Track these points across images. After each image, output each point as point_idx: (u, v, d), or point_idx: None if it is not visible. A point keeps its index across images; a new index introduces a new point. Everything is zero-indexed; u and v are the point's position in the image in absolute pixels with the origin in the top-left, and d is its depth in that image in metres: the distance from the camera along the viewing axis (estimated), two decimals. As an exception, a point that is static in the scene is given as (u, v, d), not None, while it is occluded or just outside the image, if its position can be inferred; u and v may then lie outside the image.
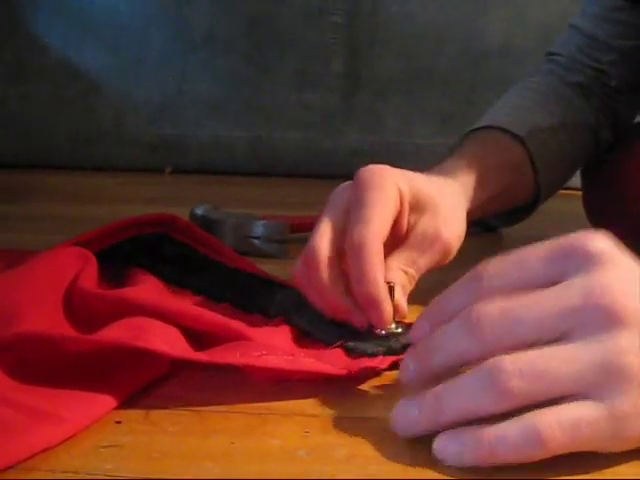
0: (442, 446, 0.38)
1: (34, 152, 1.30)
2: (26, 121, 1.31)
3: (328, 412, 0.44)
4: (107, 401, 0.42)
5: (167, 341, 0.45)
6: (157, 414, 0.43)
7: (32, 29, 1.29)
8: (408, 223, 0.56)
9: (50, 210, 0.97)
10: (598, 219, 0.82)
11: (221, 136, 1.30)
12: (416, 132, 1.30)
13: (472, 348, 0.39)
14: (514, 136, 0.73)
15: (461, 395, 0.38)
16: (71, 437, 0.39)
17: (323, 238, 0.52)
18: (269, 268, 0.63)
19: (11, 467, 0.36)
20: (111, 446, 0.39)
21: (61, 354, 0.44)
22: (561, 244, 0.40)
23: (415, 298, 0.52)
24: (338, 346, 0.50)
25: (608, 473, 0.38)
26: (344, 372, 0.46)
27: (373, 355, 0.49)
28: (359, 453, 0.39)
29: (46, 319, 0.50)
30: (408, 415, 0.40)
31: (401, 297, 0.52)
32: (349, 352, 0.50)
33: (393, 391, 0.46)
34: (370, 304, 0.50)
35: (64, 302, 0.52)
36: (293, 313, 0.54)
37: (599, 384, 0.37)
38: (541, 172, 0.74)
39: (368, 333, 0.52)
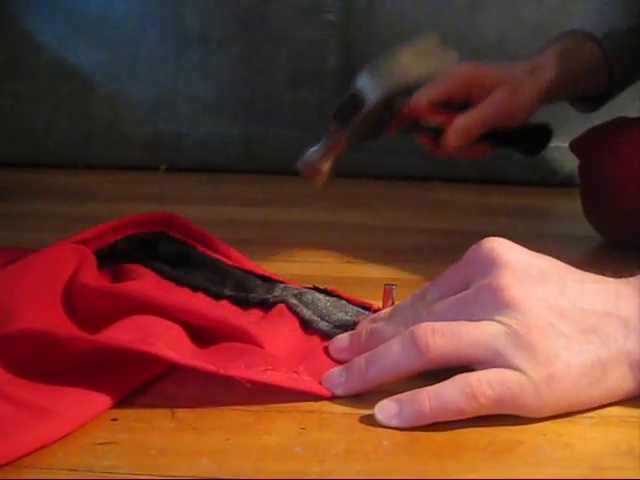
0: (382, 407, 0.42)
1: (28, 151, 1.30)
2: (20, 120, 1.30)
3: (324, 408, 0.44)
4: (104, 399, 0.42)
5: (170, 343, 0.45)
6: (153, 411, 0.43)
7: (26, 27, 1.29)
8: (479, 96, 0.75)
9: (45, 208, 0.97)
10: (596, 217, 0.83)
11: (216, 134, 1.30)
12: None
13: (397, 330, 0.46)
14: (592, 38, 0.81)
15: (386, 355, 0.45)
16: (68, 434, 0.39)
17: None
18: (269, 267, 0.63)
19: (8, 464, 0.36)
20: (107, 443, 0.39)
21: (60, 351, 0.44)
22: (467, 256, 0.48)
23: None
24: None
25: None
26: (340, 395, 0.46)
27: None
28: (356, 449, 0.39)
29: (44, 315, 0.50)
30: (338, 376, 0.46)
31: None
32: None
33: (390, 388, 0.46)
34: None
35: (63, 298, 0.52)
36: (293, 303, 0.55)
37: (510, 353, 0.42)
38: (615, 68, 0.81)
39: None
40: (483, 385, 0.41)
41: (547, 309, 0.43)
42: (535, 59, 0.79)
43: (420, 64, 0.75)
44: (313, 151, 0.72)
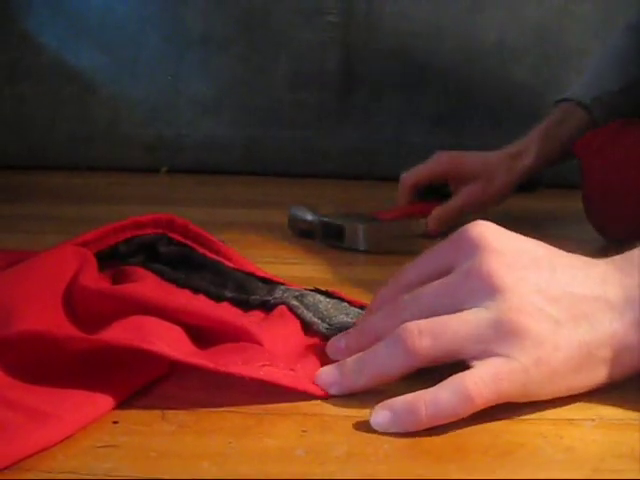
0: (377, 415, 0.42)
1: (29, 152, 1.30)
2: (21, 121, 1.30)
3: (326, 411, 0.44)
4: (105, 401, 0.42)
5: (170, 343, 0.45)
6: (154, 414, 0.43)
7: (27, 29, 1.29)
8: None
9: (45, 210, 0.97)
10: (598, 219, 0.83)
11: (216, 135, 1.30)
12: (411, 131, 1.30)
13: (387, 324, 0.46)
14: (582, 104, 0.88)
15: (376, 358, 0.45)
16: (68, 437, 0.39)
17: None
18: (270, 269, 0.63)
19: (8, 467, 0.36)
20: (108, 446, 0.39)
21: (60, 353, 0.44)
22: (451, 237, 0.47)
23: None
24: None
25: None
26: (337, 394, 0.46)
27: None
28: (357, 452, 0.39)
29: (45, 317, 0.49)
30: (331, 375, 0.46)
31: None
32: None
33: (391, 390, 0.46)
34: None
35: (63, 300, 0.52)
36: (294, 305, 0.55)
37: (498, 341, 0.42)
38: None
39: None
40: (479, 386, 0.41)
41: (538, 294, 0.43)
42: (517, 144, 0.90)
43: None
44: None
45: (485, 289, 0.44)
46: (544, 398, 0.43)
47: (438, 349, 0.43)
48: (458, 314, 0.44)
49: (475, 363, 0.42)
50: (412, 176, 0.90)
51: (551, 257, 0.46)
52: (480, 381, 0.41)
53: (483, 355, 0.42)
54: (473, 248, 0.45)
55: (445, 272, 0.46)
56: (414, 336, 0.43)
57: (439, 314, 0.44)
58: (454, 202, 0.88)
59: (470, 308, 0.44)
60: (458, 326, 0.43)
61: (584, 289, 0.44)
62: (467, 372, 0.42)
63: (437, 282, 0.46)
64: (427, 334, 0.43)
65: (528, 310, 0.43)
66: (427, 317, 0.44)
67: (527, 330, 0.42)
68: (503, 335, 0.42)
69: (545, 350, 0.42)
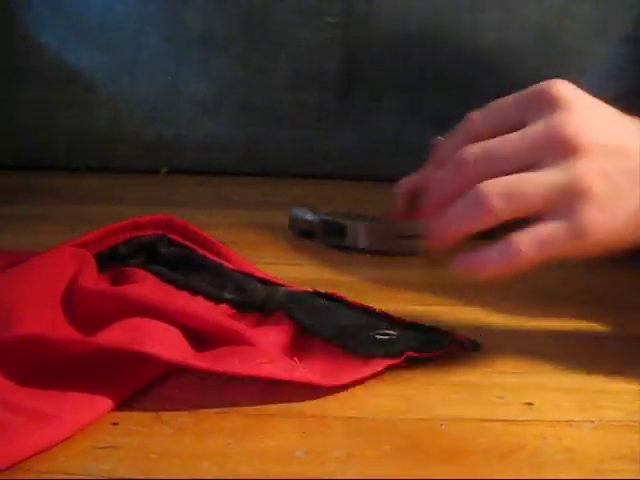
0: (463, 259, 0.46)
1: (29, 153, 1.30)
2: (21, 122, 1.30)
3: (325, 412, 0.44)
4: (104, 402, 0.42)
5: (166, 345, 0.45)
6: (154, 415, 0.43)
7: (26, 30, 1.29)
8: None
9: (45, 211, 0.97)
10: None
11: (217, 136, 1.30)
12: (411, 131, 1.30)
13: (461, 183, 0.46)
14: None
15: (454, 218, 0.46)
16: (67, 438, 0.39)
17: None
18: (270, 270, 0.63)
19: (8, 468, 0.36)
20: (108, 447, 0.39)
21: (58, 356, 0.44)
22: (528, 91, 0.47)
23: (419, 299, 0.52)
24: (337, 344, 0.50)
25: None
26: (339, 384, 0.46)
27: (371, 356, 0.49)
28: (357, 453, 0.39)
29: (44, 319, 0.49)
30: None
31: None
32: (347, 352, 0.50)
33: (391, 391, 0.46)
34: None
35: (63, 302, 0.52)
36: (293, 307, 0.54)
37: (564, 203, 0.45)
38: None
39: (368, 334, 0.52)
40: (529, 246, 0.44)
41: (612, 162, 0.45)
42: None
43: None
44: None
45: (565, 151, 0.45)
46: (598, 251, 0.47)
47: (511, 209, 0.45)
48: (532, 174, 0.45)
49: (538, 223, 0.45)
50: (411, 179, 0.82)
51: (624, 122, 0.48)
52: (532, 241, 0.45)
53: (547, 216, 0.45)
54: (553, 105, 0.46)
55: (517, 126, 0.46)
56: (490, 197, 0.45)
57: (513, 171, 0.45)
58: None
59: (545, 167, 0.45)
60: (531, 186, 0.45)
61: None
62: (522, 231, 0.45)
63: (512, 136, 0.46)
64: (503, 195, 0.45)
65: (600, 177, 0.45)
66: (500, 174, 0.45)
67: (594, 195, 0.44)
68: (570, 196, 0.44)
69: (604, 216, 0.45)
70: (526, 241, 0.45)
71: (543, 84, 0.47)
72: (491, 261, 0.45)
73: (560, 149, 0.45)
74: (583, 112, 0.46)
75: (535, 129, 0.46)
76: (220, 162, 1.29)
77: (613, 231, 0.46)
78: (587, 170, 0.44)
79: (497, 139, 0.46)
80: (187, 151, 1.30)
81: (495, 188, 0.45)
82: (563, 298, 0.65)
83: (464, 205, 0.46)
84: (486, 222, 0.45)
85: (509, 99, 0.48)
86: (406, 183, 0.83)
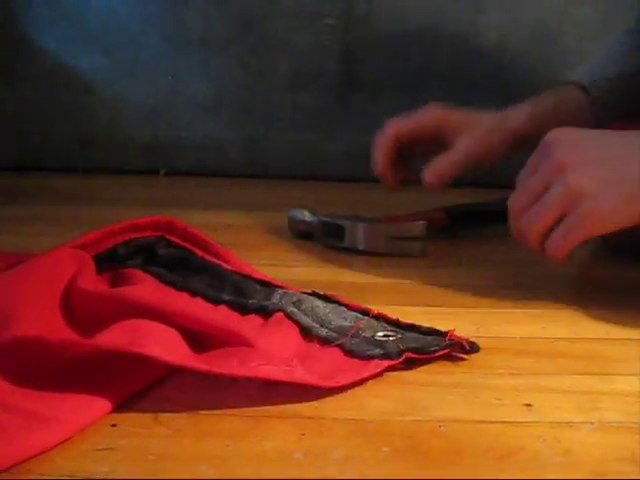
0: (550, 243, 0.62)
1: (29, 154, 1.30)
2: (21, 123, 1.30)
3: (324, 414, 0.44)
4: (103, 404, 0.42)
5: (165, 346, 0.45)
6: (152, 417, 0.43)
7: (26, 31, 1.29)
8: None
9: (44, 213, 0.97)
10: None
11: (216, 138, 1.30)
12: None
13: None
14: (579, 85, 0.86)
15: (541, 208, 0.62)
16: (66, 440, 0.39)
17: None
18: (269, 271, 0.63)
19: (7, 470, 0.36)
20: (106, 449, 0.39)
21: (57, 357, 0.44)
22: (538, 163, 0.64)
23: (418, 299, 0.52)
24: (336, 345, 0.50)
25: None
26: (338, 385, 0.46)
27: (370, 358, 0.49)
28: (355, 455, 0.39)
29: (43, 321, 0.49)
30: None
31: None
32: (346, 353, 0.50)
33: (390, 392, 0.46)
34: None
35: (61, 303, 0.52)
36: (292, 309, 0.54)
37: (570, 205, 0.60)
38: (602, 112, 0.84)
39: (366, 335, 0.52)
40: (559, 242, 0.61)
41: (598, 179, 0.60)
42: (508, 109, 0.85)
43: None
44: None
45: (569, 194, 0.60)
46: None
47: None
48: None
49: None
50: (395, 125, 0.83)
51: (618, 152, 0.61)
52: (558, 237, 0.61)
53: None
54: (561, 172, 0.60)
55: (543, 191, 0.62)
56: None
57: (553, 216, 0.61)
58: (454, 154, 0.81)
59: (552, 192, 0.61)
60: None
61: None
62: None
63: (545, 199, 0.62)
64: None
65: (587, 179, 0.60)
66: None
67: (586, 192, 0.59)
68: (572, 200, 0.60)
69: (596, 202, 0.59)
70: (557, 236, 0.60)
71: (544, 146, 0.64)
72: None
73: (566, 195, 0.60)
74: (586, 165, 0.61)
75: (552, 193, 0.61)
76: (219, 163, 1.29)
77: (609, 212, 0.59)
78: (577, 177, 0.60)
79: (536, 204, 0.63)
80: (186, 152, 1.30)
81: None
82: (562, 299, 0.65)
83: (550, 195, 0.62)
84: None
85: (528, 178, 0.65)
86: (392, 127, 0.84)
